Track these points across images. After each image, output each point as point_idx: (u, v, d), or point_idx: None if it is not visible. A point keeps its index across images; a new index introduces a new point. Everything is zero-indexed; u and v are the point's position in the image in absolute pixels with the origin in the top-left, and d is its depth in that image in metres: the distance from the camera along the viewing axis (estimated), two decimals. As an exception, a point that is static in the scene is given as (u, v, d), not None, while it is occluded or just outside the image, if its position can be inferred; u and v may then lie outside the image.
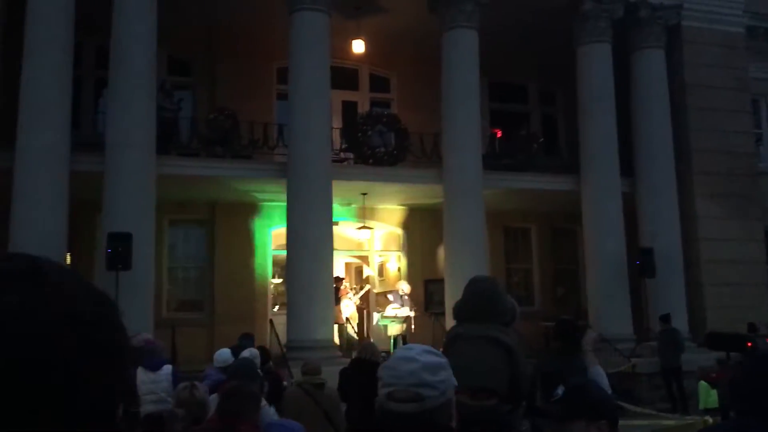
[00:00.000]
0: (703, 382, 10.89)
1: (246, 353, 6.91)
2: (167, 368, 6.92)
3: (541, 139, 16.83)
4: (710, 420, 8.96)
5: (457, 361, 2.94)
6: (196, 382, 4.37)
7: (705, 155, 15.91)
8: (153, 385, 6.71)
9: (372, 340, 13.18)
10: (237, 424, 2.92)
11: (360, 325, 15.72)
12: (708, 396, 10.68)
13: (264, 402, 4.27)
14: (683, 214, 15.53)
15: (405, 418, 1.75)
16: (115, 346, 0.71)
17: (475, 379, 2.81)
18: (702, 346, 14.55)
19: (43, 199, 11.35)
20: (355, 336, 14.48)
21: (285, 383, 8.30)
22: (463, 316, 3.20)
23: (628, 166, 15.62)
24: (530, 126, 17.81)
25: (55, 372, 0.65)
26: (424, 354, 1.84)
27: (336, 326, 14.15)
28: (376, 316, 15.69)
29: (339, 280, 14.66)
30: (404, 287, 15.26)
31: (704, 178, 15.84)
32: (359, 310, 15.69)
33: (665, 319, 13.48)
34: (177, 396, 4.02)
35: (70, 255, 13.14)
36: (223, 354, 7.33)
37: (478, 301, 3.11)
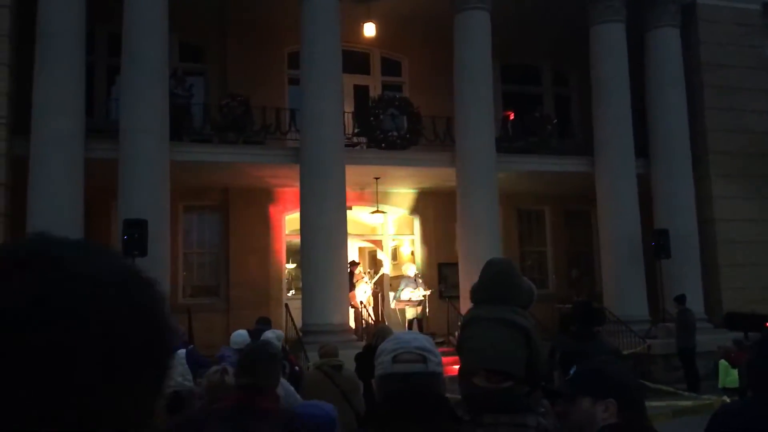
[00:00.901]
0: (723, 362, 10.86)
1: (270, 334, 6.94)
2: (182, 352, 6.98)
3: (555, 121, 16.71)
4: (728, 399, 8.94)
5: (474, 344, 2.94)
6: (227, 366, 4.41)
7: (721, 135, 15.76)
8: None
9: (387, 324, 13.25)
10: (258, 399, 2.90)
11: (375, 309, 15.78)
12: (727, 375, 10.65)
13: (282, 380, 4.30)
14: (699, 194, 15.42)
15: (413, 378, 1.82)
16: (142, 345, 0.61)
17: (491, 361, 2.81)
18: (719, 326, 14.55)
19: (59, 185, 11.43)
20: (370, 320, 14.53)
21: (297, 368, 8.36)
22: (480, 298, 3.18)
23: (642, 147, 15.50)
24: (543, 108, 17.67)
25: (60, 384, 0.55)
26: (419, 333, 2.00)
27: (352, 310, 14.25)
28: (391, 299, 15.76)
29: (354, 264, 14.72)
30: (411, 270, 15.29)
31: (720, 158, 15.69)
32: (374, 294, 15.75)
33: (680, 300, 13.44)
34: (208, 379, 4.04)
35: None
36: (241, 335, 7.37)
37: (495, 283, 3.10)
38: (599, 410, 2.13)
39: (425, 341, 1.93)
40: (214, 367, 4.16)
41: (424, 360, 1.86)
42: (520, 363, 2.77)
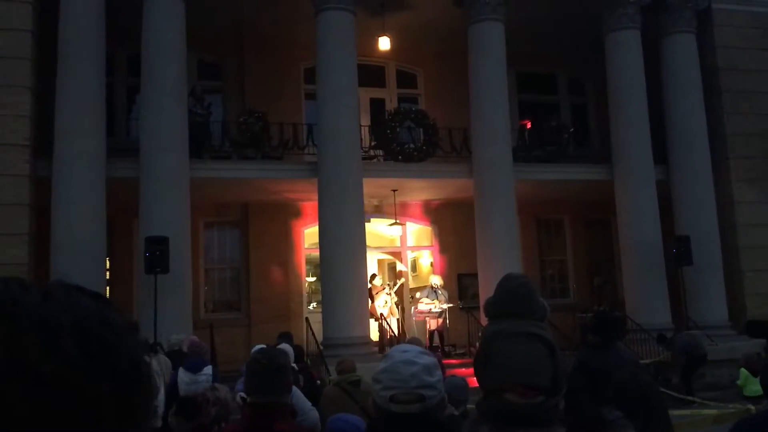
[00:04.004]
0: (743, 370, 10.71)
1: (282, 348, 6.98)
2: (208, 369, 7.03)
3: (572, 129, 16.67)
4: (753, 408, 8.84)
5: (502, 359, 2.96)
6: (216, 384, 4.46)
7: (740, 139, 15.63)
8: (194, 385, 6.83)
9: (407, 336, 13.24)
10: (270, 421, 2.79)
11: (399, 320, 15.76)
12: (750, 384, 10.51)
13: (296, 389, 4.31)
14: (719, 199, 15.27)
15: (409, 417, 1.84)
16: (106, 400, 0.60)
17: (523, 376, 2.82)
18: (742, 333, 14.38)
19: (82, 205, 11.60)
20: (392, 331, 14.52)
21: (318, 381, 8.38)
22: (497, 312, 3.20)
23: (661, 153, 15.41)
24: (560, 116, 17.64)
25: None
26: (420, 356, 1.93)
27: (375, 323, 14.28)
28: (412, 311, 15.75)
29: (372, 276, 14.77)
30: (436, 281, 15.29)
31: (740, 162, 15.55)
32: (396, 305, 15.73)
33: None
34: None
35: (109, 260, 13.43)
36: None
37: (516, 296, 3.11)
38: None
39: (423, 374, 1.87)
40: (204, 386, 4.19)
41: (422, 398, 1.84)
42: (548, 376, 2.79)
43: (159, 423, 5.17)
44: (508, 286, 3.14)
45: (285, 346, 7.28)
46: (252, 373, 2.93)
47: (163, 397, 5.27)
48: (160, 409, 5.20)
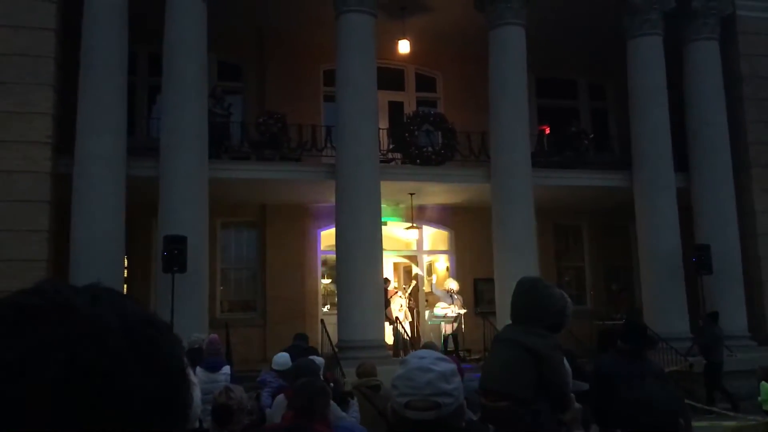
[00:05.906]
0: (764, 383, 10.54)
1: (315, 360, 6.94)
2: (227, 369, 7.03)
3: (591, 135, 16.56)
4: (773, 421, 8.70)
5: (484, 364, 3.07)
6: (230, 385, 4.50)
7: (763, 148, 15.45)
8: (211, 384, 6.83)
9: (423, 340, 13.22)
10: (312, 422, 2.94)
11: (412, 324, 15.74)
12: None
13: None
14: (741, 209, 15.10)
15: (423, 424, 1.84)
16: (156, 398, 0.62)
17: (489, 381, 2.95)
18: (762, 344, 14.20)
19: (102, 203, 11.68)
20: (405, 335, 14.50)
21: (331, 384, 8.35)
22: (511, 317, 3.30)
23: (682, 161, 15.26)
24: (580, 122, 17.54)
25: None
26: (437, 362, 1.91)
27: (390, 327, 14.25)
28: (426, 315, 15.71)
29: (387, 281, 14.75)
30: (453, 285, 15.26)
31: (762, 171, 15.38)
32: (410, 309, 15.72)
33: (712, 316, 13.14)
34: (215, 401, 4.10)
35: (127, 258, 13.52)
36: (282, 357, 7.34)
37: (520, 303, 3.19)
38: None
39: (439, 382, 1.85)
40: (217, 389, 4.23)
41: (438, 406, 1.84)
42: (525, 383, 2.81)
43: (196, 424, 5.18)
44: (516, 292, 3.14)
45: (319, 360, 7.22)
46: (301, 391, 3.17)
47: (198, 396, 5.25)
48: (198, 410, 5.22)
